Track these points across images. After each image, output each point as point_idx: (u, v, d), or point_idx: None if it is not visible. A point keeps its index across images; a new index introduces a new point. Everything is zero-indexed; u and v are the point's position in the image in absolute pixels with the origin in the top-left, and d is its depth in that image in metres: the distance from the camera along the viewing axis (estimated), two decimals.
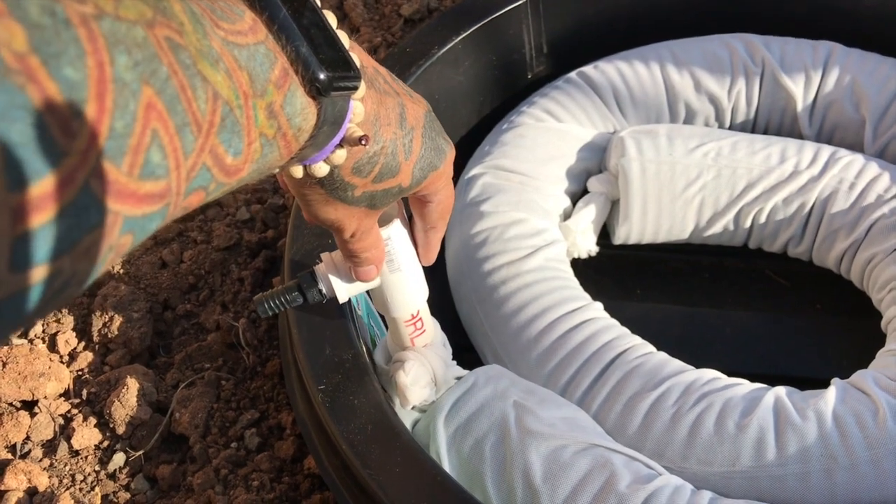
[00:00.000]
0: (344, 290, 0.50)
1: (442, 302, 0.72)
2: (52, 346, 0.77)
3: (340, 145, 0.36)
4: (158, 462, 0.70)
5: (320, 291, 0.50)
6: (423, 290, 0.54)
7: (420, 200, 0.48)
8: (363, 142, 0.35)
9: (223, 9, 0.28)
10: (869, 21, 0.88)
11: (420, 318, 0.55)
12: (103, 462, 0.70)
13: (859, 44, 0.84)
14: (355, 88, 0.34)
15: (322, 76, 0.31)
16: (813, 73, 0.83)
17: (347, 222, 0.42)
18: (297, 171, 0.37)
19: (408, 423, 0.58)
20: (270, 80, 0.29)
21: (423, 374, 0.55)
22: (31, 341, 0.78)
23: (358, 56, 0.36)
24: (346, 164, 0.37)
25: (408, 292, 0.52)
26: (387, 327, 0.58)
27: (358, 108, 0.36)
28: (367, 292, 0.59)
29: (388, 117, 0.39)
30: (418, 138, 0.41)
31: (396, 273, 0.51)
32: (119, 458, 0.70)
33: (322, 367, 0.55)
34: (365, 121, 0.37)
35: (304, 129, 0.32)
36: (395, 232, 0.49)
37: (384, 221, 0.49)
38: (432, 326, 0.57)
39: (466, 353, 0.71)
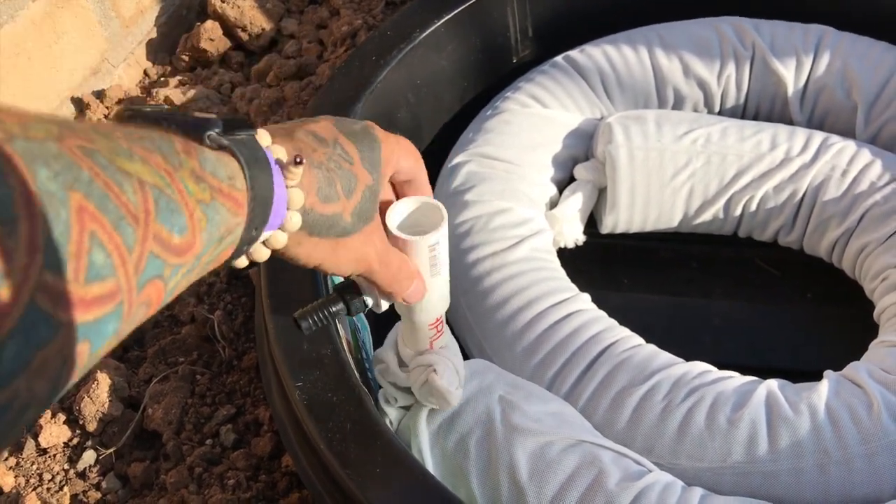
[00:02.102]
0: (385, 299, 0.47)
1: None
2: None
3: (287, 176, 0.36)
4: (130, 460, 0.67)
5: (364, 302, 0.47)
6: (449, 294, 0.51)
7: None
8: (298, 160, 0.35)
9: (110, 125, 0.29)
10: (861, 4, 0.86)
11: (441, 321, 0.52)
12: (72, 460, 0.67)
13: (851, 27, 0.83)
14: (239, 122, 0.34)
15: (194, 122, 0.33)
16: (804, 57, 0.81)
17: (366, 253, 0.42)
18: (280, 238, 0.37)
19: (392, 420, 0.56)
20: (178, 151, 0.30)
21: (454, 376, 0.53)
22: None
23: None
24: (310, 199, 0.37)
25: (442, 295, 0.50)
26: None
27: (278, 151, 0.36)
28: None
29: (309, 145, 0.39)
30: (347, 143, 0.41)
31: (436, 277, 0.48)
32: (89, 457, 0.67)
33: (299, 363, 0.52)
34: (288, 153, 0.37)
35: (235, 177, 0.32)
36: (443, 236, 0.46)
37: (429, 227, 0.46)
38: (446, 328, 0.55)
39: None
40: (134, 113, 0.33)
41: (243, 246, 0.34)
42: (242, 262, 0.36)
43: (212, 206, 0.30)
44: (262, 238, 0.35)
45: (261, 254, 0.36)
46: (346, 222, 0.40)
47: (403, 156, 0.45)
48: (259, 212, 0.34)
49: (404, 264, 0.45)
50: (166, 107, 0.35)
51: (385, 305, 0.48)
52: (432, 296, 0.48)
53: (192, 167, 0.30)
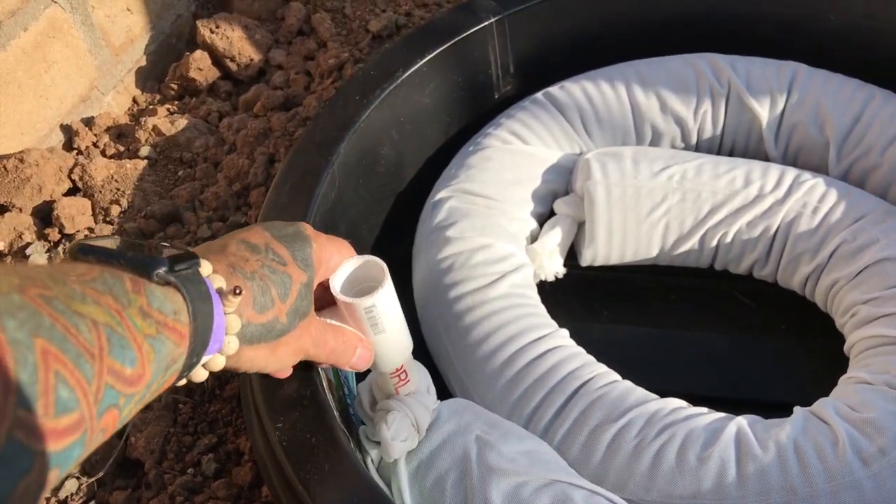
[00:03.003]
0: None
1: (410, 327, 0.71)
2: None
3: (226, 304, 0.39)
4: (112, 488, 0.68)
5: None
6: (407, 345, 0.53)
7: None
8: (237, 291, 0.39)
9: (64, 268, 0.33)
10: (833, 41, 0.88)
11: (404, 370, 0.54)
12: (55, 489, 0.68)
13: (825, 64, 0.85)
14: (184, 256, 0.37)
15: (142, 262, 0.35)
16: (778, 94, 0.83)
17: (303, 344, 0.45)
18: (219, 361, 0.40)
19: (373, 458, 0.57)
20: (127, 291, 0.33)
21: (403, 428, 0.54)
22: None
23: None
24: (246, 313, 0.40)
25: (392, 350, 0.52)
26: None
27: (217, 280, 0.39)
28: None
29: (242, 256, 0.42)
30: (278, 246, 0.44)
31: (381, 335, 0.50)
32: (71, 485, 0.68)
33: (279, 404, 0.54)
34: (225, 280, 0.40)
35: (179, 311, 0.35)
36: (380, 299, 0.48)
37: (367, 291, 0.48)
38: (416, 374, 0.56)
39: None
40: (88, 250, 0.35)
41: (185, 371, 0.37)
42: (181, 382, 0.39)
43: (158, 339, 0.33)
44: (202, 362, 0.39)
45: (200, 375, 0.40)
46: (282, 324, 0.43)
47: (335, 253, 0.48)
48: (200, 341, 0.37)
49: (340, 338, 0.48)
50: (117, 239, 0.37)
51: None
52: (382, 352, 0.51)
53: (141, 304, 0.33)
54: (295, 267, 0.44)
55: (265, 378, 0.56)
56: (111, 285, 0.32)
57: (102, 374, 0.29)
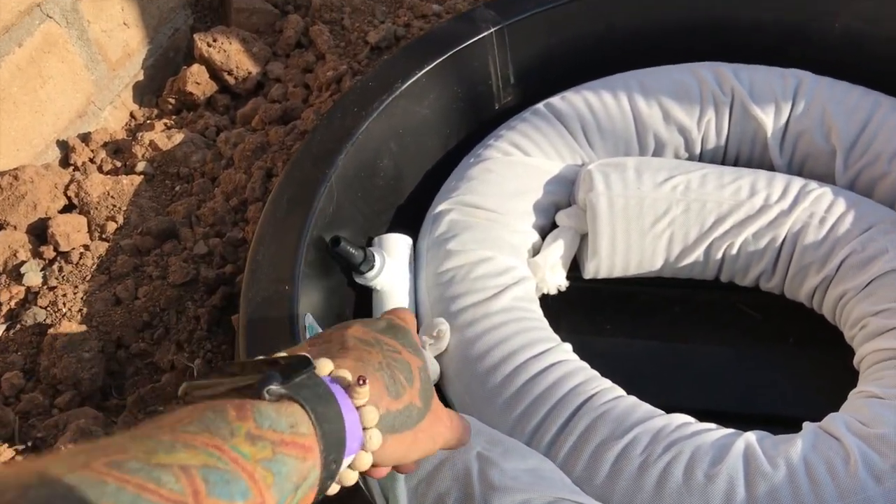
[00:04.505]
0: None
1: None
2: None
3: (355, 397, 0.37)
4: None
5: None
6: None
7: None
8: (361, 381, 0.37)
9: (163, 420, 0.32)
10: (838, 49, 0.87)
11: None
12: None
13: (829, 71, 0.84)
14: (297, 362, 0.36)
15: (251, 387, 0.34)
16: (783, 102, 0.82)
17: (439, 429, 0.46)
18: (365, 460, 0.38)
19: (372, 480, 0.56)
20: (230, 421, 0.32)
21: None
22: None
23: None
24: (383, 403, 0.39)
25: None
26: None
27: (342, 373, 0.37)
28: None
29: (364, 350, 0.41)
30: (386, 339, 0.44)
31: None
32: None
33: None
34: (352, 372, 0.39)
35: (298, 423, 0.34)
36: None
37: None
38: None
39: None
40: (191, 391, 0.35)
41: (326, 482, 0.35)
42: (334, 489, 0.37)
43: (276, 460, 0.32)
44: (344, 465, 0.36)
45: (349, 479, 0.38)
46: (419, 408, 0.42)
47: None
48: (333, 445, 0.35)
49: (456, 417, 0.49)
50: (227, 374, 0.36)
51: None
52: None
53: (248, 430, 0.32)
54: (408, 354, 0.44)
55: None
56: (210, 422, 0.31)
57: None
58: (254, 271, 0.63)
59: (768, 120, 0.82)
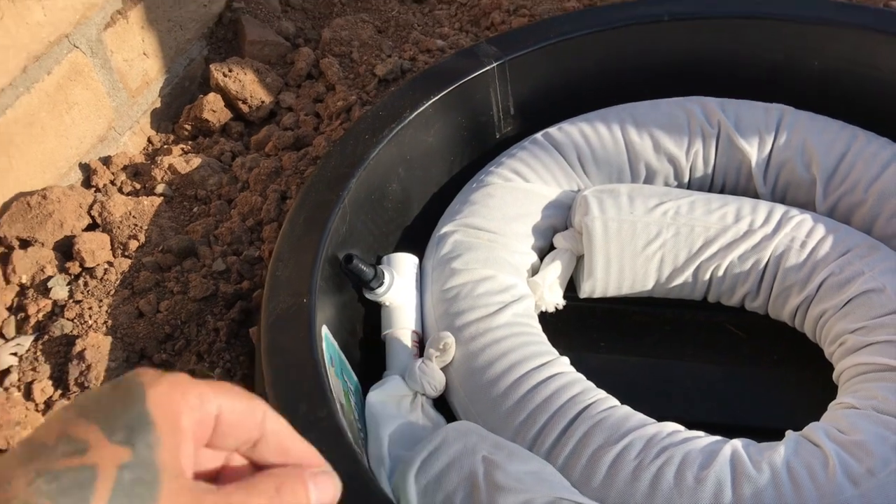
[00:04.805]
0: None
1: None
2: (28, 395, 0.78)
3: None
4: None
5: None
6: None
7: None
8: None
9: None
10: (818, 85, 0.93)
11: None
12: None
13: (809, 106, 0.89)
14: None
15: None
16: (766, 134, 0.87)
17: None
18: None
19: (384, 479, 0.60)
20: None
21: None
22: (6, 389, 0.78)
23: None
24: None
25: None
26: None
27: None
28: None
29: None
30: (76, 428, 0.32)
31: None
32: None
33: (297, 426, 0.56)
34: None
35: None
36: None
37: None
38: None
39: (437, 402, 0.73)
40: None
41: None
42: None
43: None
44: None
45: None
46: None
47: (212, 397, 0.34)
48: None
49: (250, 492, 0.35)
50: None
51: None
52: None
53: None
54: (107, 445, 0.31)
55: (283, 400, 0.58)
56: None
57: None
58: (273, 286, 0.67)
59: (753, 151, 0.87)
